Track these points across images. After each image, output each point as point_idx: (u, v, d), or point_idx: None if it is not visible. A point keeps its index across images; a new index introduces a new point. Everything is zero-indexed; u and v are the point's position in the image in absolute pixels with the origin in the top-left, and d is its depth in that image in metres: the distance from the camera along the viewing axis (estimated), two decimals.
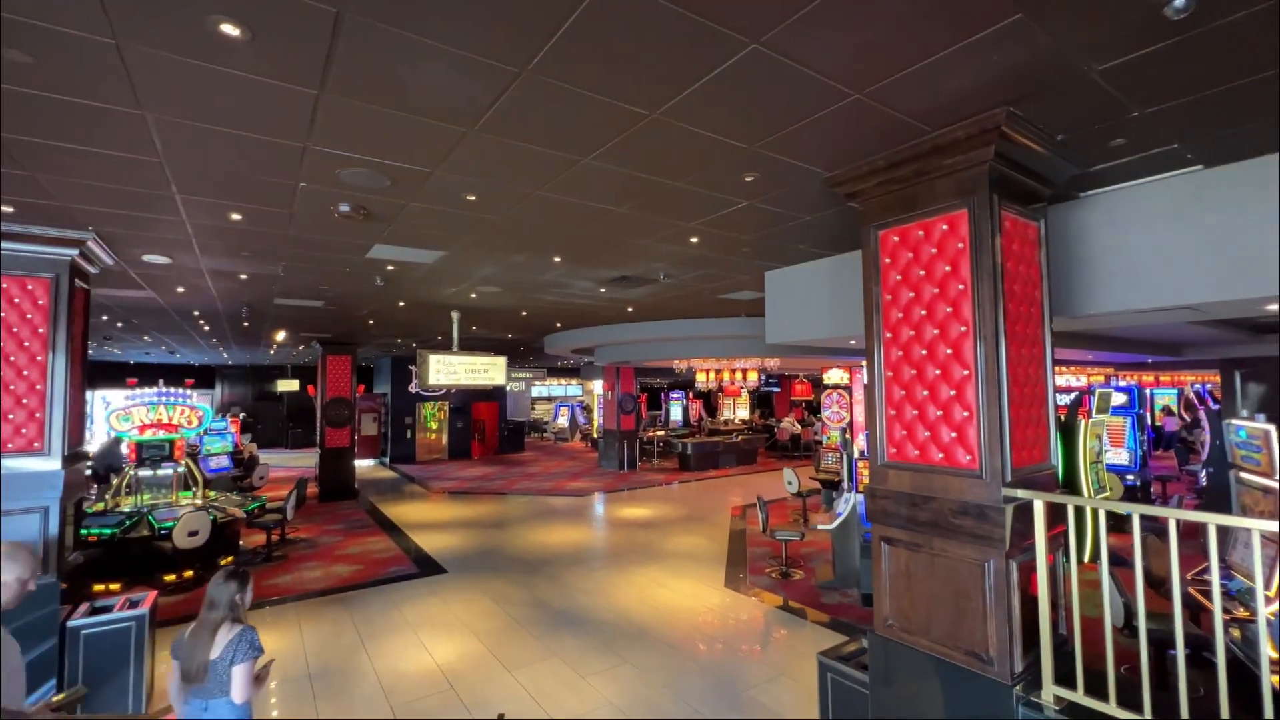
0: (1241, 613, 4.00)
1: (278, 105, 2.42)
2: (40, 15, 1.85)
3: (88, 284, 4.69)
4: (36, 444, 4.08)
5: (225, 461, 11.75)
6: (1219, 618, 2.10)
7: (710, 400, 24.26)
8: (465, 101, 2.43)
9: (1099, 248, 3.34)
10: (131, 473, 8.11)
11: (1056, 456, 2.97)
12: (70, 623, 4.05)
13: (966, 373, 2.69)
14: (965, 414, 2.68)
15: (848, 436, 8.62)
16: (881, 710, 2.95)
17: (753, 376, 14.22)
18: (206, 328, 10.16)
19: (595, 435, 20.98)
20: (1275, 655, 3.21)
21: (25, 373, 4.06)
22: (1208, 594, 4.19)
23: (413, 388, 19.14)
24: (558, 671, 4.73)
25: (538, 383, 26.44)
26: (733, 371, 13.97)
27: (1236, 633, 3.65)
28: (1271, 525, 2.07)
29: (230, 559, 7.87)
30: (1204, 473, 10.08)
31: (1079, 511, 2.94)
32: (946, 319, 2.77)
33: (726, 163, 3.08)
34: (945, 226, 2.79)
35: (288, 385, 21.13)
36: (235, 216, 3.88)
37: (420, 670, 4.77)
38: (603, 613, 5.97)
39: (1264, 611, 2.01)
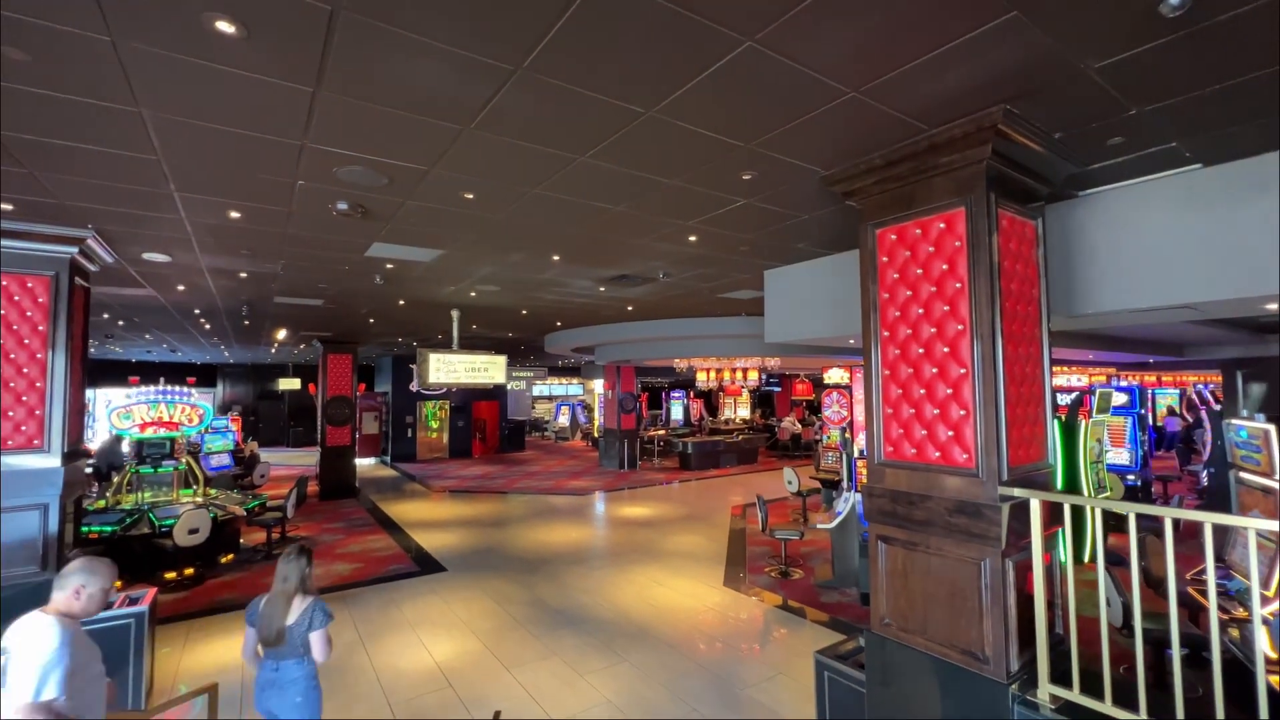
0: (1241, 613, 3.99)
1: (274, 103, 2.42)
2: (38, 13, 1.86)
3: (88, 282, 4.71)
4: (36, 441, 4.09)
5: (226, 460, 11.77)
6: (1215, 617, 2.10)
7: (711, 400, 24.26)
8: (461, 99, 2.43)
9: (1097, 247, 3.33)
10: (132, 471, 8.14)
11: (1054, 455, 2.97)
12: None
13: (963, 371, 2.68)
14: (962, 413, 2.68)
15: (848, 436, 8.61)
16: (878, 709, 2.95)
17: (753, 376, 14.21)
18: (207, 326, 10.18)
19: (596, 434, 20.97)
20: (1273, 655, 3.20)
21: (25, 370, 4.07)
22: (1206, 594, 4.18)
23: (413, 386, 19.14)
24: (556, 670, 4.74)
25: (538, 382, 26.45)
26: (733, 371, 13.96)
27: (1235, 633, 3.64)
28: (1269, 524, 2.07)
29: (231, 556, 7.89)
30: (1205, 473, 10.05)
31: (1076, 511, 2.94)
32: (943, 317, 2.76)
33: (723, 161, 3.08)
34: (942, 225, 2.78)
35: (289, 384, 21.15)
36: (234, 214, 3.88)
37: (419, 668, 4.78)
38: (602, 612, 5.98)
39: (1260, 611, 2.01)
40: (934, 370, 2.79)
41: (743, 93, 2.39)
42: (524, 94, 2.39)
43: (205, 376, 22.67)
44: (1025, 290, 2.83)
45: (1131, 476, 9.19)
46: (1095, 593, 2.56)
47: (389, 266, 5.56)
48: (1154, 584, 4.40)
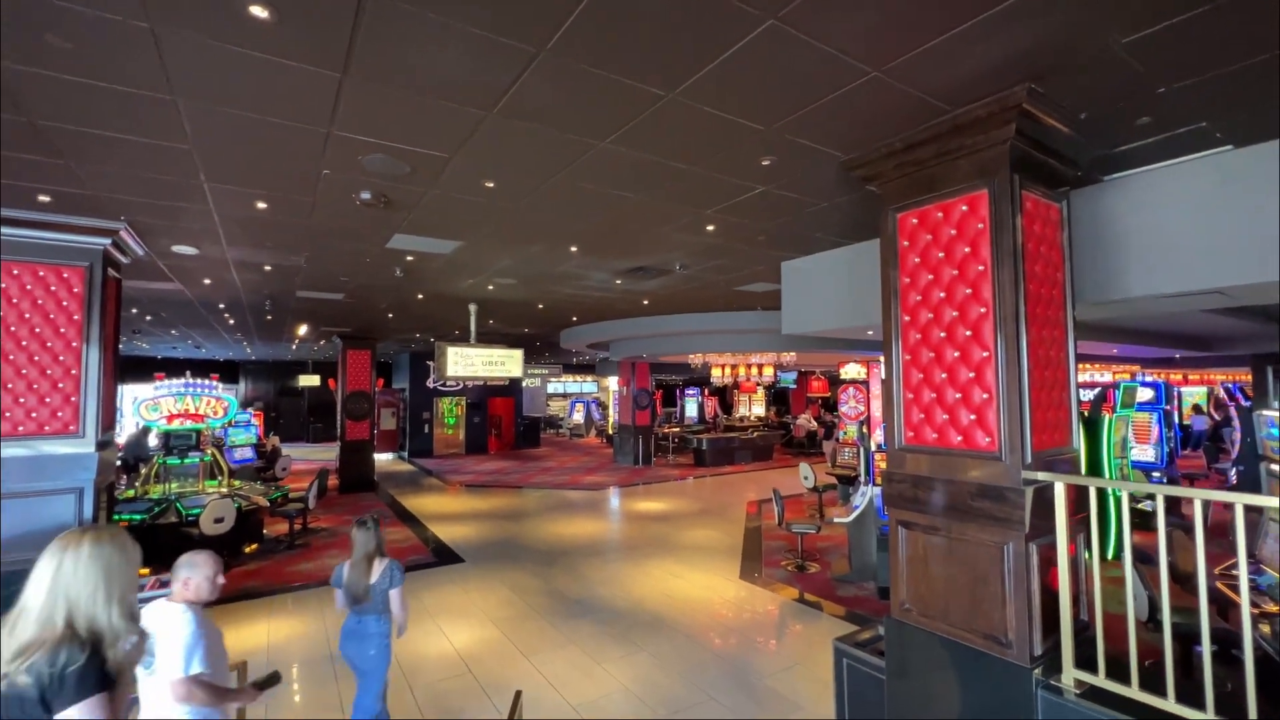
0: (1272, 607, 3.91)
1: (303, 89, 2.48)
2: (82, 1, 1.92)
3: (120, 274, 4.84)
4: (72, 427, 4.22)
5: (249, 453, 12.01)
6: (1246, 611, 2.06)
7: (726, 397, 24.19)
8: (484, 84, 2.46)
9: (1124, 231, 3.28)
10: (160, 462, 8.34)
11: (1079, 441, 2.93)
12: None
13: (986, 354, 2.66)
14: (984, 396, 2.66)
15: (865, 430, 8.55)
16: (898, 695, 2.93)
17: (769, 371, 14.15)
18: (231, 321, 10.38)
19: (610, 431, 21.04)
20: None
21: (61, 358, 4.20)
22: (1236, 589, 4.10)
23: (431, 381, 19.30)
24: (574, 658, 4.78)
25: (553, 379, 26.58)
26: (749, 367, 13.92)
27: (1266, 628, 3.57)
28: None
29: (255, 546, 8.05)
30: (1234, 470, 9.82)
31: (1100, 504, 2.90)
32: (966, 301, 2.74)
33: (743, 146, 3.08)
34: (965, 207, 2.76)
35: (309, 380, 21.47)
36: (261, 205, 3.96)
37: (439, 654, 4.85)
38: (618, 603, 6.01)
39: None
40: (956, 354, 2.77)
41: (763, 74, 2.39)
42: (546, 78, 2.41)
43: (228, 373, 23.09)
44: (1049, 274, 2.79)
45: (1157, 474, 9.01)
46: (1119, 589, 2.52)
47: (409, 259, 5.64)
48: (1181, 579, 4.32)
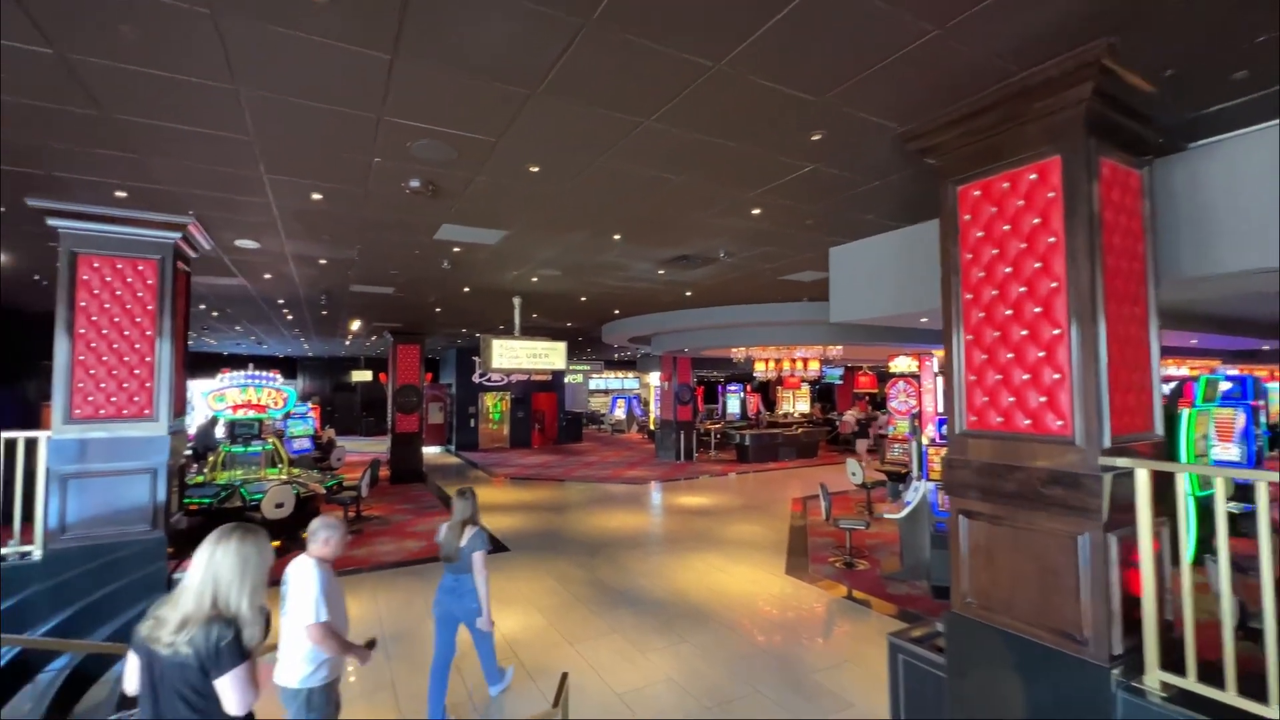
0: None
1: (355, 72, 2.52)
2: None
3: (189, 267, 5.10)
4: (147, 411, 4.47)
5: (306, 444, 12.56)
6: None
7: (768, 393, 23.81)
8: (530, 60, 2.45)
9: (1214, 202, 3.01)
10: (226, 450, 8.79)
11: (1162, 427, 2.71)
12: (175, 575, 4.42)
13: (1058, 332, 2.49)
14: (1056, 376, 2.48)
15: (917, 425, 8.23)
16: (960, 693, 2.79)
17: (814, 366, 13.82)
18: (290, 316, 10.85)
19: (652, 427, 21.02)
20: None
21: (137, 346, 4.45)
22: None
23: (477, 376, 19.69)
24: (617, 646, 4.76)
25: (595, 375, 26.76)
26: (793, 361, 13.63)
27: None
28: None
29: None
30: None
31: (1177, 499, 2.68)
32: (1035, 275, 2.57)
33: (793, 119, 2.98)
34: (1034, 176, 2.59)
35: (361, 376, 22.33)
36: (316, 196, 4.09)
37: None
38: (661, 594, 5.97)
39: None
40: (1024, 333, 2.60)
41: (815, 38, 2.29)
42: (591, 51, 2.38)
43: (287, 369, 24.21)
44: (1129, 245, 2.59)
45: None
46: (1201, 595, 2.32)
47: (456, 250, 5.74)
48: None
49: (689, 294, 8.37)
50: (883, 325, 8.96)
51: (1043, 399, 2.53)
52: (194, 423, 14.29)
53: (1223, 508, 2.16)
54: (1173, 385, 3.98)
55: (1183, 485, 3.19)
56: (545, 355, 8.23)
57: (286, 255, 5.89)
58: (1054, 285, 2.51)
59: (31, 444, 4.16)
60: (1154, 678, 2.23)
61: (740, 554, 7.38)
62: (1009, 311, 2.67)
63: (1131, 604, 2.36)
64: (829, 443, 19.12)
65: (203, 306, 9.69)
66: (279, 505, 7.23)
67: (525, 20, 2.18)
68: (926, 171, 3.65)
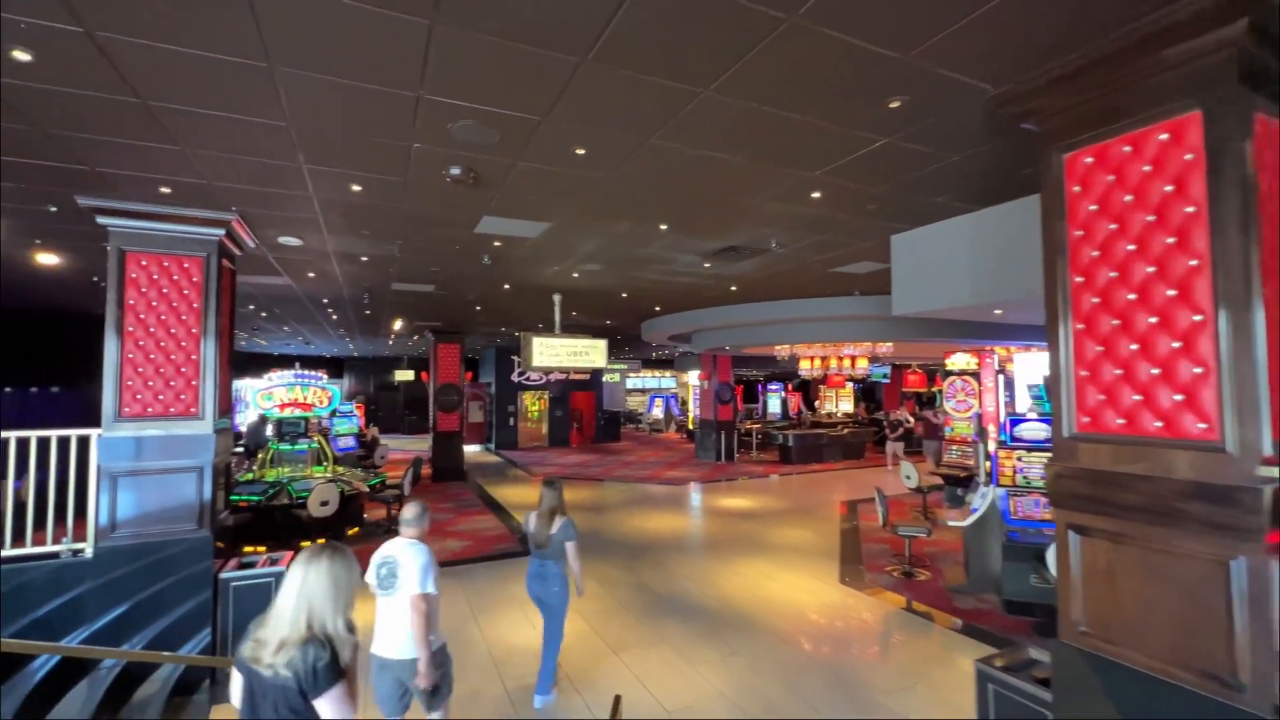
0: None
1: (391, 41, 2.33)
2: None
3: (234, 265, 5.08)
4: (193, 409, 4.44)
5: (351, 442, 12.76)
6: None
7: (809, 392, 23.16)
8: (580, 19, 2.20)
9: None
10: (274, 447, 8.93)
11: None
12: (222, 575, 4.38)
13: (1199, 319, 2.10)
14: (1198, 371, 2.10)
15: (985, 426, 7.71)
16: None
17: (862, 364, 13.27)
18: (335, 316, 10.99)
19: (690, 427, 20.69)
20: None
21: (183, 344, 4.43)
22: None
23: (516, 375, 19.78)
24: (665, 657, 4.52)
25: (632, 374, 26.59)
26: (840, 359, 13.11)
27: None
28: None
29: (356, 530, 8.43)
30: None
31: None
32: (1168, 252, 2.19)
33: (870, 82, 2.66)
34: (1166, 136, 2.21)
35: (404, 375, 22.71)
36: (355, 188, 3.97)
37: (528, 645, 4.74)
38: (708, 601, 5.69)
39: None
40: (1153, 320, 2.22)
41: None
42: (647, 7, 2.12)
43: (333, 369, 24.89)
44: None
45: None
46: None
47: (497, 244, 5.58)
48: None
49: (734, 288, 8.05)
50: (943, 319, 8.45)
51: (1179, 397, 2.15)
52: (246, 421, 14.75)
53: None
54: None
55: None
56: (586, 353, 8.04)
57: (329, 252, 5.85)
58: (1194, 264, 2.13)
59: (84, 442, 4.18)
60: None
61: (789, 560, 7.03)
62: (1132, 296, 2.29)
63: None
64: (875, 443, 18.42)
65: (251, 307, 9.88)
66: (324, 503, 7.25)
67: None
68: (1016, 143, 3.28)
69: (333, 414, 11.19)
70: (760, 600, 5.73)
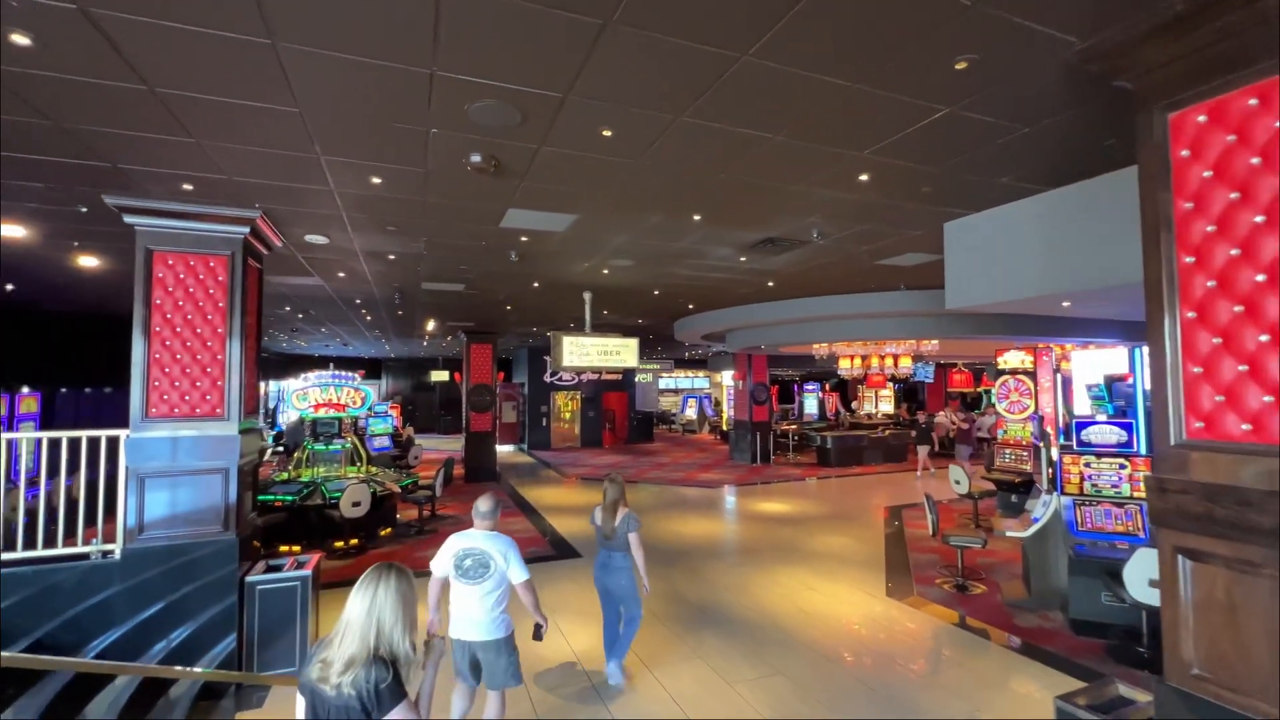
0: None
1: (397, 7, 2.14)
2: None
3: (260, 264, 5.03)
4: (219, 410, 4.38)
5: (386, 442, 12.85)
6: None
7: (847, 392, 22.45)
8: None
9: None
10: (309, 447, 8.99)
11: None
12: (249, 578, 4.30)
13: None
14: None
15: (1046, 429, 7.17)
16: None
17: (905, 362, 12.69)
18: (369, 317, 11.06)
19: (724, 427, 20.29)
20: None
21: (209, 344, 4.37)
22: None
23: (548, 376, 19.76)
24: (701, 675, 4.24)
25: (665, 375, 26.31)
26: (882, 358, 12.57)
27: None
28: None
29: (389, 530, 8.40)
30: None
31: None
32: None
33: (935, 38, 2.33)
34: None
35: (439, 376, 22.99)
36: (375, 180, 3.83)
37: (558, 656, 4.54)
38: (746, 613, 5.39)
39: None
40: None
41: None
42: None
43: (372, 370, 25.39)
44: None
45: None
46: None
47: (523, 239, 5.40)
48: None
49: (771, 284, 7.70)
50: (998, 314, 7.93)
51: None
52: (287, 421, 15.09)
53: None
54: None
55: None
56: (617, 353, 7.83)
57: (356, 250, 5.77)
58: None
59: (113, 442, 4.16)
60: None
61: (832, 569, 6.66)
62: (1261, 277, 1.92)
63: None
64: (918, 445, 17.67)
65: (288, 308, 10.01)
66: (356, 504, 7.22)
67: None
68: (1100, 109, 2.90)
69: (368, 414, 11.27)
70: (802, 613, 5.40)
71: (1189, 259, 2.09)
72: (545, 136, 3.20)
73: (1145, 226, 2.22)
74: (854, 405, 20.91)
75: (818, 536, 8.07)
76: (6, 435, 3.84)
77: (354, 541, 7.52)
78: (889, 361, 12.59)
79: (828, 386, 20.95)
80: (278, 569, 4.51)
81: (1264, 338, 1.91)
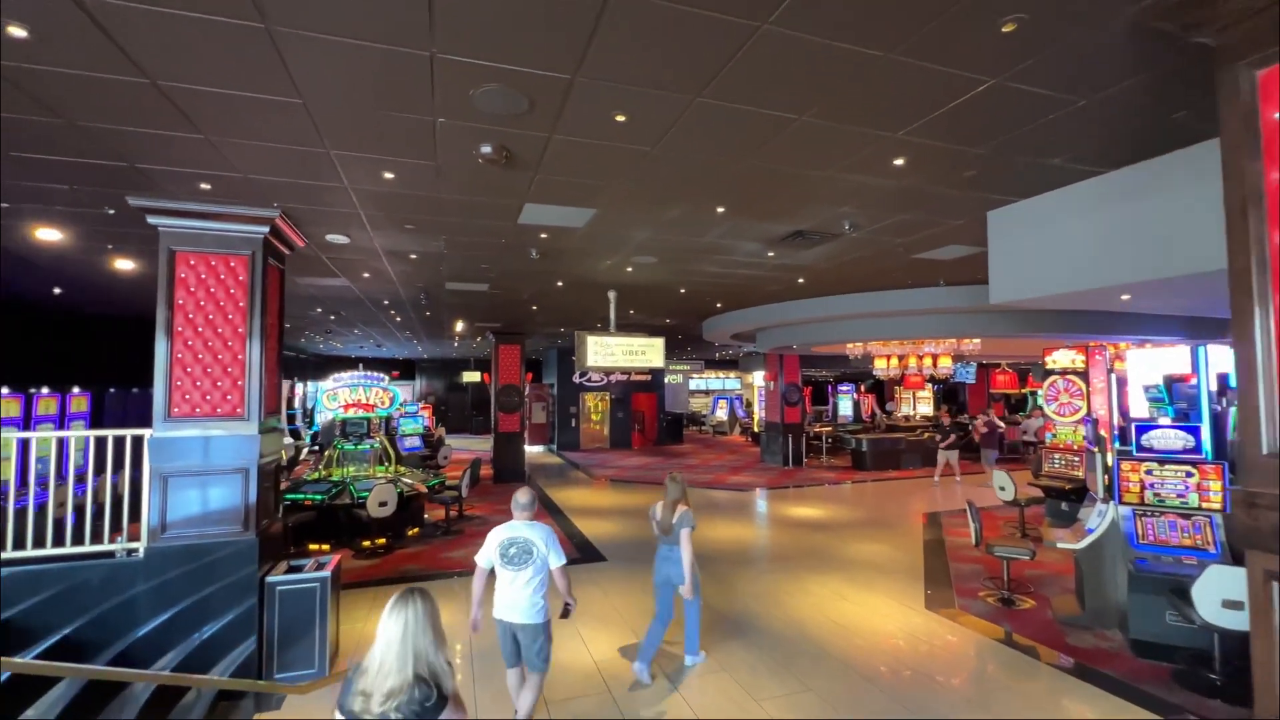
0: None
1: None
2: None
3: (282, 265, 5.04)
4: (239, 411, 4.38)
5: (417, 442, 12.99)
6: None
7: (883, 394, 21.78)
8: None
9: None
10: (338, 447, 9.09)
11: None
12: (269, 579, 4.28)
13: None
14: None
15: (1102, 433, 6.70)
16: None
17: (945, 362, 12.17)
18: (398, 318, 11.17)
19: (756, 429, 19.92)
20: None
21: (229, 344, 4.37)
22: None
23: (577, 377, 19.73)
24: (726, 689, 4.03)
25: (694, 375, 26.03)
26: (920, 357, 12.07)
27: None
28: None
29: (416, 530, 8.42)
30: None
31: None
32: None
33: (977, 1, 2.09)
34: None
35: (470, 376, 23.26)
36: (388, 175, 3.76)
37: (578, 665, 4.40)
38: (775, 624, 5.15)
39: None
40: None
41: None
42: None
43: (406, 371, 25.84)
44: None
45: None
46: None
47: (543, 236, 5.29)
48: None
49: (801, 281, 7.42)
50: (1046, 310, 7.48)
51: None
52: (322, 421, 15.40)
53: None
54: None
55: None
56: (642, 352, 7.65)
57: (378, 250, 5.75)
58: None
59: (137, 442, 4.20)
60: None
61: (867, 579, 6.34)
62: None
63: None
64: (960, 449, 16.97)
65: (319, 310, 10.17)
66: (383, 504, 7.24)
67: None
68: (1169, 75, 2.59)
69: (398, 413, 11.39)
70: (834, 625, 5.13)
71: None
72: (555, 124, 3.05)
73: (1229, 203, 1.94)
74: (890, 407, 20.25)
75: (852, 543, 7.75)
76: (20, 434, 3.92)
77: (381, 541, 7.55)
78: (927, 361, 12.09)
79: (863, 388, 20.35)
80: (299, 569, 4.49)
81: None
